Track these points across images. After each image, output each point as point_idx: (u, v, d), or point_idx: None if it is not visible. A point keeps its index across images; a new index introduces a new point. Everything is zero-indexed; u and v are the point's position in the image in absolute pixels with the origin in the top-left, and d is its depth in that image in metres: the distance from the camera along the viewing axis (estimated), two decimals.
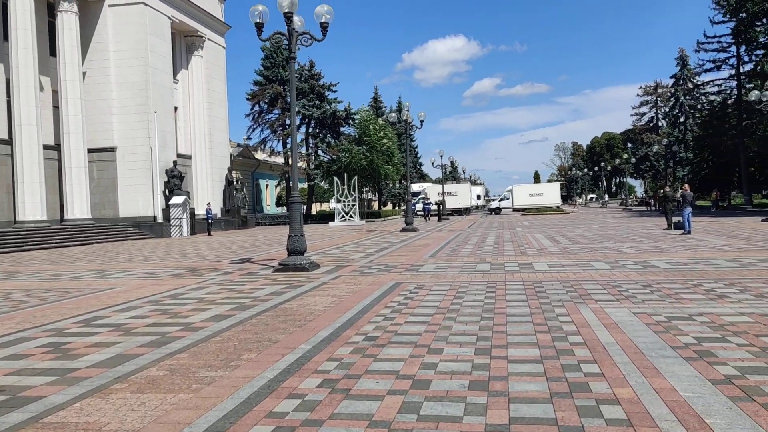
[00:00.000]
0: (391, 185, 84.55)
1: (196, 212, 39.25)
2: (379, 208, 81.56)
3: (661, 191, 30.36)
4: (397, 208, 78.53)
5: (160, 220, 35.98)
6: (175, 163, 37.61)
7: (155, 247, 25.95)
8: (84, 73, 35.64)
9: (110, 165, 36.14)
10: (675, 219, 24.32)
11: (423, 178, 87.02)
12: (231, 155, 54.95)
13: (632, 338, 6.27)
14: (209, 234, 35.85)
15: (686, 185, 24.81)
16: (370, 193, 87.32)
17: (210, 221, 36.12)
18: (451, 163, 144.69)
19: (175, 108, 41.71)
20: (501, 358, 5.66)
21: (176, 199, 35.88)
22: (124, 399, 4.79)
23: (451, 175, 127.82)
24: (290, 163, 57.73)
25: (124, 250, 24.44)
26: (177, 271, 15.00)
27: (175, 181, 36.84)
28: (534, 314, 7.76)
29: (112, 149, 36.07)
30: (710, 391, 4.52)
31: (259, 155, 60.20)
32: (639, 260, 13.77)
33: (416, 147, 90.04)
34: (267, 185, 64.41)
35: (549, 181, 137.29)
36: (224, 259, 18.34)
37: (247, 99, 55.07)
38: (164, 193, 36.76)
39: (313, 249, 20.86)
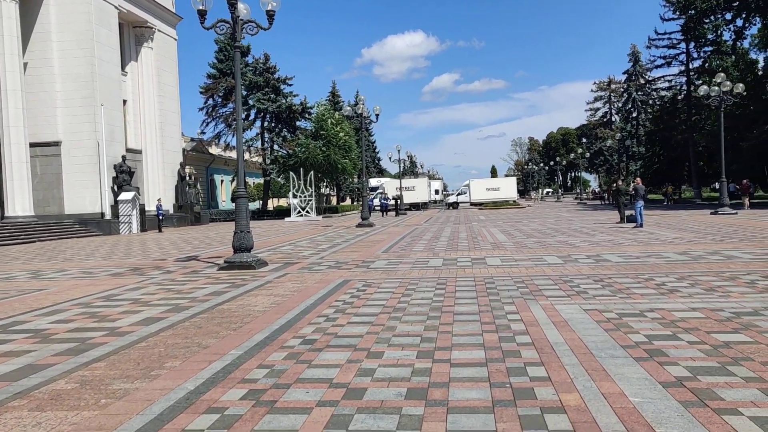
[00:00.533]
0: (349, 180, 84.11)
1: (147, 208, 38.08)
2: (338, 203, 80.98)
3: (614, 185, 30.66)
4: (355, 203, 78.00)
5: (108, 216, 34.74)
6: (123, 158, 36.37)
7: (100, 245, 24.94)
8: (25, 64, 34.14)
9: (54, 160, 34.71)
10: (627, 212, 24.51)
11: (381, 173, 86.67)
12: (184, 150, 53.63)
13: (582, 337, 6.00)
14: (160, 231, 34.77)
15: (638, 179, 25.03)
16: (328, 188, 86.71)
17: (160, 218, 35.03)
18: (410, 157, 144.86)
19: (124, 101, 40.36)
20: (444, 362, 5.30)
21: (125, 195, 34.70)
22: (19, 419, 4.25)
23: (409, 170, 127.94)
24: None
25: (67, 248, 23.40)
26: (117, 270, 14.28)
27: (123, 176, 35.63)
28: (482, 312, 7.44)
29: (57, 143, 34.63)
30: (661, 396, 4.24)
31: (215, 150, 58.86)
32: (591, 254, 13.66)
33: (374, 142, 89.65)
34: (222, 180, 63.10)
35: (506, 175, 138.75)
36: (170, 257, 17.63)
37: (201, 92, 53.77)
38: (113, 188, 35.53)
39: (264, 245, 20.29)
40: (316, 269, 12.79)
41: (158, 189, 41.83)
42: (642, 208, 22.32)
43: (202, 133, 55.24)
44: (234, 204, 13.66)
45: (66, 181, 34.68)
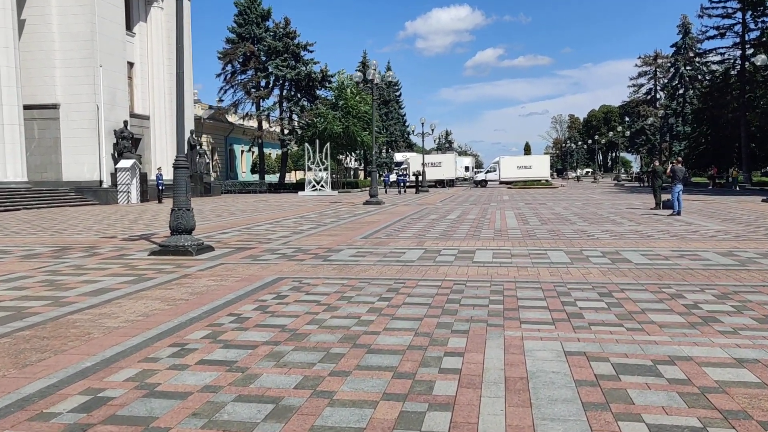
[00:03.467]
0: (378, 154, 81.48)
1: (149, 177, 36.26)
2: (365, 177, 78.42)
3: (650, 166, 27.42)
4: (381, 177, 75.42)
5: (106, 185, 32.98)
6: (126, 123, 34.47)
7: (84, 216, 23.05)
8: (23, 22, 32.33)
9: (53, 123, 33.00)
10: (664, 197, 21.44)
11: (411, 147, 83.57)
12: (201, 118, 51.85)
13: (538, 426, 3.43)
14: (160, 201, 32.88)
15: (678, 159, 21.87)
16: (356, 162, 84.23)
17: (160, 188, 33.08)
18: (446, 133, 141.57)
19: (131, 64, 38.44)
20: None
21: (124, 163, 32.85)
22: None
23: (444, 146, 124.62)
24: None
25: (43, 219, 21.54)
26: (44, 249, 12.14)
27: (125, 143, 33.79)
28: (410, 350, 4.93)
29: (55, 106, 32.88)
30: None
31: (233, 119, 56.83)
32: (609, 250, 10.93)
33: (404, 115, 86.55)
34: (242, 151, 61.17)
35: (545, 153, 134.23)
36: (131, 232, 15.50)
37: (219, 58, 51.54)
38: (113, 155, 33.74)
39: (240, 224, 18.08)
40: (263, 258, 10.39)
41: (167, 157, 39.95)
42: (680, 193, 19.30)
43: (220, 100, 53.20)
44: (173, 175, 11.34)
45: (64, 146, 32.99)
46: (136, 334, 5.53)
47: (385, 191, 44.50)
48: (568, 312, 6.20)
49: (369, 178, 70.53)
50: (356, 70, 69.96)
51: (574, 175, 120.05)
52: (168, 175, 38.01)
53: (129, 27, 38.24)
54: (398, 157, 64.12)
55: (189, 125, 42.52)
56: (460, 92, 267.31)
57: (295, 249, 11.65)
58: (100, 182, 32.94)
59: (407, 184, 47.58)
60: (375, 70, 27.87)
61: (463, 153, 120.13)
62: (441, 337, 5.30)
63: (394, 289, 7.53)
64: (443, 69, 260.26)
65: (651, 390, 3.97)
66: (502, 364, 4.52)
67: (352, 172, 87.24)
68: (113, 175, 33.16)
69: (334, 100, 49.74)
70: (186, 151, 11.96)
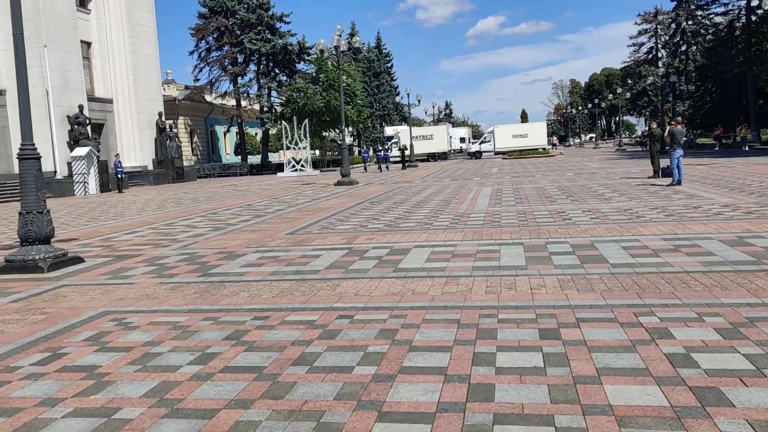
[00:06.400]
0: (370, 129, 78.62)
1: (110, 165, 33.77)
2: (359, 154, 75.54)
3: (647, 129, 24.68)
4: (372, 153, 72.60)
5: (61, 176, 30.53)
6: (81, 107, 31.85)
7: (9, 212, 20.64)
8: None
9: (0, 111, 30.45)
10: (663, 164, 18.81)
11: (405, 120, 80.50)
12: (176, 99, 49.18)
13: None
14: (120, 191, 30.39)
15: (677, 120, 19.14)
16: (350, 138, 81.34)
17: (120, 177, 30.55)
18: (447, 105, 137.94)
19: (88, 43, 35.71)
20: None
21: (79, 151, 30.35)
22: None
23: (445, 118, 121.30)
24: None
25: None
26: None
27: (80, 128, 31.24)
28: None
29: (1, 93, 30.30)
30: None
31: (212, 98, 53.99)
32: (583, 242, 8.40)
33: (397, 87, 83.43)
34: (226, 132, 58.45)
35: (547, 120, 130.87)
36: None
37: (192, 34, 48.59)
38: (68, 143, 31.21)
39: (179, 215, 15.70)
40: (125, 275, 7.98)
41: (133, 143, 37.51)
42: (681, 159, 16.67)
43: (196, 80, 50.41)
44: (19, 169, 8.85)
45: (14, 136, 30.44)
46: None
47: (380, 168, 41.39)
48: (473, 383, 3.70)
49: (360, 155, 67.75)
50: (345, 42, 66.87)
51: (577, 141, 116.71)
52: (130, 161, 35.65)
53: (83, 4, 35.46)
54: (388, 130, 61.19)
55: (157, 107, 39.94)
56: (462, 63, 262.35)
57: (186, 256, 9.18)
58: (54, 173, 30.47)
59: (390, 159, 44.76)
60: (339, 36, 25.06)
61: (461, 124, 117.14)
62: None
63: (237, 334, 5.05)
64: (444, 40, 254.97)
65: None
66: None
67: (348, 149, 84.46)
68: (69, 165, 30.70)
69: (314, 74, 46.85)
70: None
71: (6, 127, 30.38)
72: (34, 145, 8.89)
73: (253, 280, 7.14)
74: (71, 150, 30.88)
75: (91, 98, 34.63)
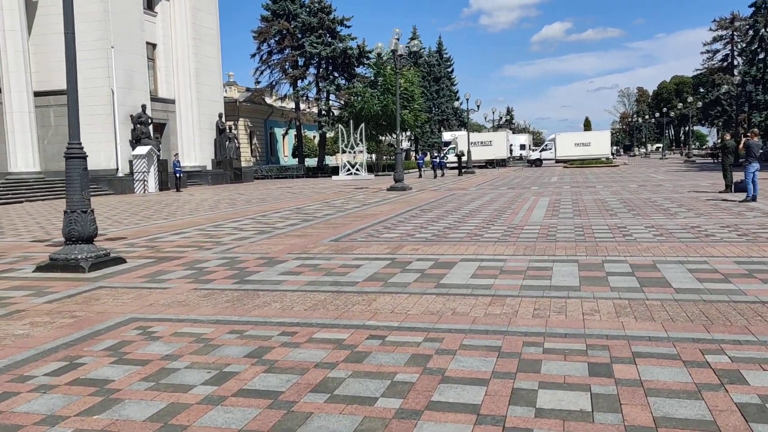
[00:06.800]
0: (428, 134, 78.09)
1: (171, 165, 34.49)
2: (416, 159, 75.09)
3: (719, 140, 23.36)
4: (428, 158, 72.11)
5: (122, 173, 31.32)
6: (144, 107, 32.63)
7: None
8: (35, 4, 30.84)
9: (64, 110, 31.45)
10: (737, 178, 17.67)
11: (464, 126, 79.68)
12: (237, 101, 50.00)
13: None
14: (177, 190, 30.94)
15: (754, 132, 17.95)
16: (408, 143, 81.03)
17: (178, 176, 31.10)
18: (508, 110, 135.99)
19: (153, 45, 36.64)
20: None
21: (140, 150, 31.07)
22: None
23: (507, 123, 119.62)
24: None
25: (17, 212, 19.81)
26: None
27: (142, 128, 31.97)
28: None
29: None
30: None
31: (272, 101, 54.66)
32: (644, 262, 7.75)
33: (457, 92, 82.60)
34: (285, 134, 59.08)
35: (611, 129, 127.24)
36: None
37: (254, 38, 49.31)
38: (131, 142, 32.02)
39: (231, 216, 15.73)
40: (161, 279, 7.84)
41: (193, 143, 38.25)
42: (757, 173, 15.59)
43: (257, 82, 51.05)
44: (65, 167, 8.87)
45: (81, 134, 31.37)
46: None
47: (434, 174, 40.68)
48: (508, 426, 3.25)
49: (416, 160, 67.40)
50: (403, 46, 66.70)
51: (643, 151, 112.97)
52: (190, 161, 36.33)
53: (150, 6, 36.42)
54: (446, 136, 60.56)
55: (218, 108, 40.64)
56: (525, 68, 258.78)
57: (227, 260, 9.00)
58: (116, 170, 31.31)
59: (447, 165, 44.09)
60: (397, 39, 24.73)
61: (522, 130, 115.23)
62: None
63: (261, 351, 4.73)
64: (507, 45, 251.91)
65: None
66: None
67: (406, 153, 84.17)
68: (131, 163, 31.47)
69: (373, 78, 46.75)
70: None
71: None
72: (80, 144, 8.89)
73: (288, 290, 6.84)
74: (133, 149, 31.65)
75: (155, 98, 35.49)
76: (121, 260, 9.08)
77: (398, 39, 24.98)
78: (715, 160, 50.97)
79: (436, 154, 42.77)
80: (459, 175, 40.48)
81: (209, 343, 4.97)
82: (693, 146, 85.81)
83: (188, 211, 18.64)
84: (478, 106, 49.02)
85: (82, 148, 8.87)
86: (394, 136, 52.26)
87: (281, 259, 8.98)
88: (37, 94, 30.49)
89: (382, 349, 4.65)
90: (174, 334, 5.25)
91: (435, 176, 38.25)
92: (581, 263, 7.84)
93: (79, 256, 8.48)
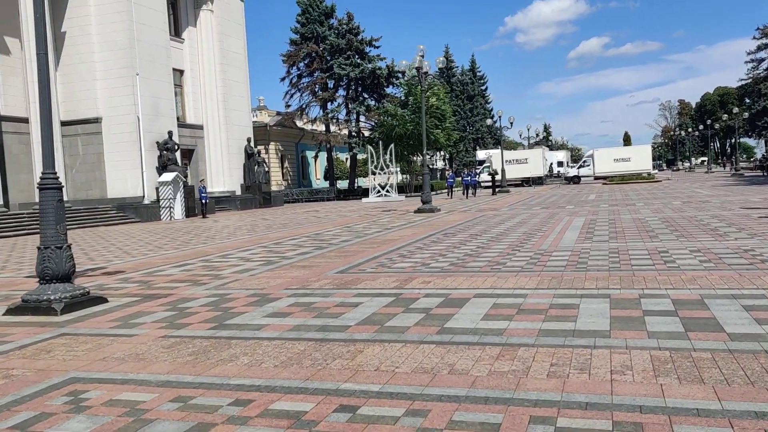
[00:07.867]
0: (463, 152, 76.96)
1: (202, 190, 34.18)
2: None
3: None
4: (460, 178, 70.84)
5: (147, 201, 31.07)
6: (170, 133, 32.45)
7: (91, 237, 20.80)
8: (64, 33, 31.08)
9: (96, 138, 31.55)
10: None
11: (499, 143, 78.37)
12: (268, 125, 49.90)
13: None
14: (203, 217, 30.50)
15: None
16: (441, 162, 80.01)
17: (204, 202, 30.67)
18: (545, 127, 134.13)
19: (181, 71, 36.65)
20: None
21: (166, 176, 30.80)
22: None
23: (543, 140, 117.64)
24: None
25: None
26: None
27: (168, 154, 31.76)
28: None
29: (97, 120, 31.41)
30: None
31: (302, 124, 54.40)
32: (689, 297, 6.56)
33: (491, 110, 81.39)
34: (316, 157, 58.75)
35: (653, 143, 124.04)
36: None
37: (283, 61, 49.22)
38: (157, 169, 31.82)
39: (244, 245, 14.96)
40: (136, 323, 7.00)
41: (222, 168, 37.97)
42: None
43: (287, 105, 50.85)
44: (39, 198, 8.12)
45: (108, 162, 31.44)
46: None
47: (465, 194, 39.36)
48: None
49: (458, 179, 66.22)
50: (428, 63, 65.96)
51: (687, 165, 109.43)
52: (219, 186, 35.99)
53: (177, 33, 36.49)
54: (480, 154, 59.37)
55: (246, 133, 40.40)
56: (562, 85, 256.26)
57: (215, 299, 8.12)
58: (143, 198, 31.09)
59: (482, 184, 42.84)
60: (421, 56, 23.87)
61: (559, 147, 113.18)
62: None
63: (197, 430, 3.76)
64: (544, 62, 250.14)
65: None
66: None
67: (438, 174, 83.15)
68: (157, 190, 31.23)
69: (403, 97, 46.05)
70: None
71: (101, 153, 31.37)
72: (55, 173, 8.11)
73: (266, 338, 5.89)
74: (159, 175, 31.42)
75: (182, 124, 35.37)
76: (101, 300, 8.27)
77: (422, 56, 24.14)
78: (765, 173, 48.57)
79: (467, 173, 41.54)
80: (493, 194, 39.21)
81: (141, 416, 4.02)
82: (740, 159, 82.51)
83: (203, 239, 17.96)
84: (512, 123, 47.79)
85: (57, 178, 8.09)
86: (427, 155, 51.40)
87: (274, 296, 8.05)
88: (64, 123, 30.56)
89: (347, 429, 3.63)
90: (106, 403, 4.33)
91: (466, 196, 37.05)
92: (614, 299, 6.69)
93: (52, 297, 7.70)
